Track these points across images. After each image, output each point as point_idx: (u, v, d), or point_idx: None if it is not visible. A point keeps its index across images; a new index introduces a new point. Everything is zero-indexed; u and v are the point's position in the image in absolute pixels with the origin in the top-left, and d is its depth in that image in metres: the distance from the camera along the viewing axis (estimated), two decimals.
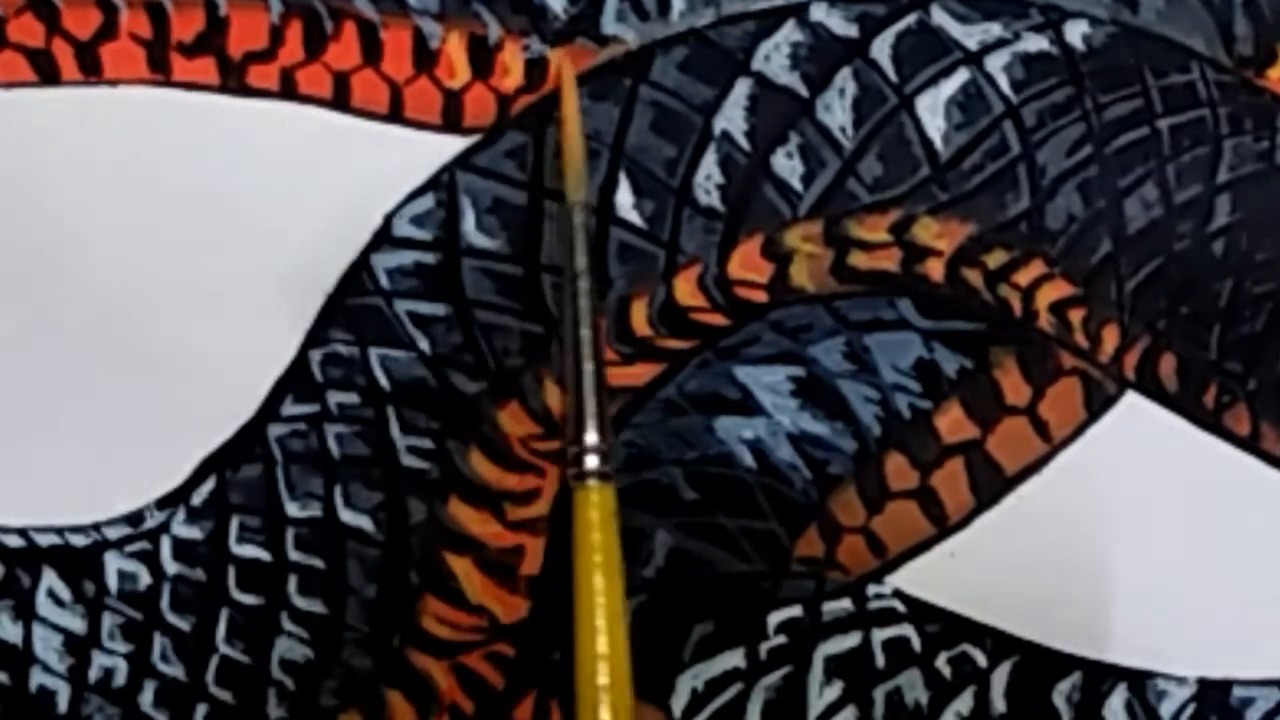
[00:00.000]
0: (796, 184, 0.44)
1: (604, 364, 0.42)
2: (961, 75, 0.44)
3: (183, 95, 0.44)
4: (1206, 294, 0.44)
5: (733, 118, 0.44)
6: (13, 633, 0.41)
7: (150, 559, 0.42)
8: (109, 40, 0.44)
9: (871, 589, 0.42)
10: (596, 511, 0.40)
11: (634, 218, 0.44)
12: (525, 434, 0.42)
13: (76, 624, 0.42)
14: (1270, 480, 0.43)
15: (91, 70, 0.44)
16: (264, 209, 0.43)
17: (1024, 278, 0.44)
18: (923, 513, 0.43)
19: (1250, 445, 0.43)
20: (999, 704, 0.42)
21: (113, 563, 0.42)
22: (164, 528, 0.42)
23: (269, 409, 0.43)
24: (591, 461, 0.40)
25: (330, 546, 0.42)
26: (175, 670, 0.41)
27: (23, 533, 0.42)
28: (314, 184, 0.43)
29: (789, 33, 0.45)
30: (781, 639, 0.42)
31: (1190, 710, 0.42)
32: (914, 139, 0.44)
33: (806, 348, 0.43)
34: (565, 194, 0.43)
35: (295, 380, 0.43)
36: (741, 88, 0.44)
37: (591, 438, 0.40)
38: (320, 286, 0.43)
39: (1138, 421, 0.43)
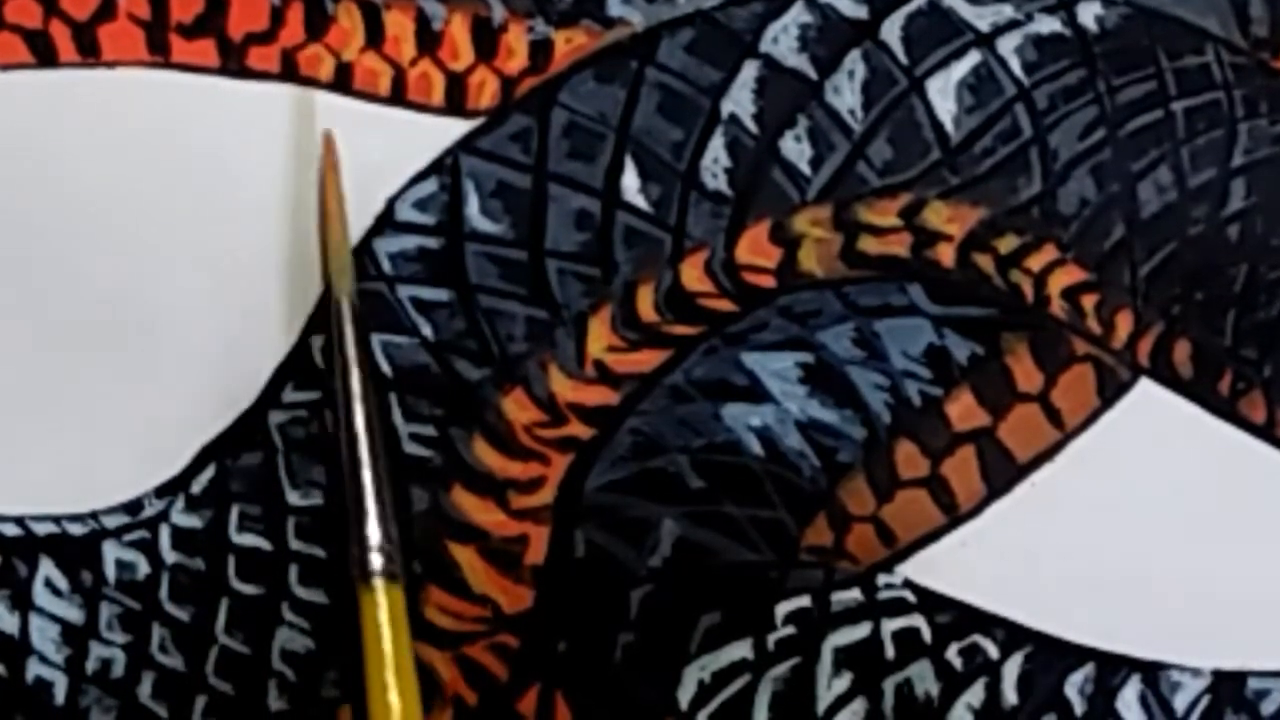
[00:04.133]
0: (805, 168, 0.43)
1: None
2: (973, 57, 0.44)
3: (182, 77, 0.44)
4: (1221, 279, 0.44)
5: (740, 100, 0.44)
6: (9, 623, 0.41)
7: (149, 548, 0.42)
8: (107, 21, 0.44)
9: (881, 579, 0.42)
10: (386, 614, 0.39)
11: (640, 202, 0.43)
12: (529, 421, 0.42)
13: (74, 614, 0.41)
14: None
15: (89, 52, 0.44)
16: (264, 193, 0.43)
17: (1036, 263, 0.43)
18: (933, 501, 0.42)
19: (1266, 432, 0.43)
20: (1010, 696, 0.41)
21: (111, 552, 0.42)
22: (163, 516, 0.42)
23: (269, 396, 0.42)
24: (376, 562, 0.39)
25: (332, 535, 0.41)
26: (174, 661, 0.41)
27: (19, 521, 0.42)
28: (315, 168, 0.43)
29: (797, 14, 0.44)
30: (790, 630, 0.42)
31: (1205, 702, 0.42)
32: (924, 122, 0.44)
33: (815, 334, 0.43)
34: (329, 284, 0.42)
35: (296, 367, 0.42)
36: (749, 70, 0.44)
37: (375, 536, 0.39)
38: (321, 272, 0.43)
39: (1152, 409, 0.43)
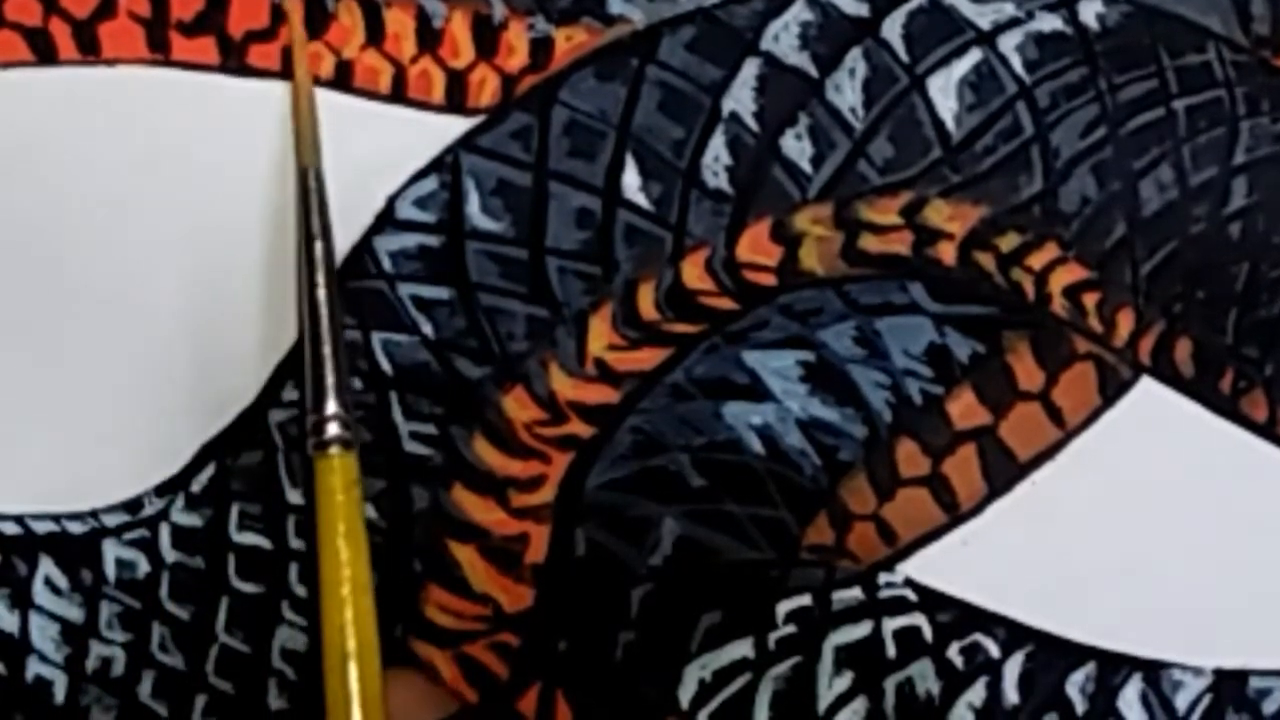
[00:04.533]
0: (806, 166, 0.43)
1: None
2: (974, 55, 0.44)
3: (182, 75, 0.44)
4: (1223, 277, 0.43)
5: (741, 98, 0.44)
6: (9, 622, 0.41)
7: (149, 547, 0.41)
8: (107, 19, 0.44)
9: (882, 577, 0.42)
10: (339, 479, 0.40)
11: (641, 200, 0.43)
12: (530, 419, 0.42)
13: (74, 613, 0.41)
14: None
15: (90, 50, 0.43)
16: (265, 191, 0.43)
17: (1037, 261, 0.43)
18: (934, 500, 0.42)
19: (1267, 431, 0.43)
20: (1012, 695, 0.41)
21: (111, 551, 0.41)
22: (163, 515, 0.42)
23: (269, 394, 0.42)
24: (333, 430, 0.40)
25: None
26: (174, 660, 0.41)
27: (19, 520, 0.42)
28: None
29: (798, 12, 0.44)
30: (791, 628, 0.41)
31: (1206, 701, 0.42)
32: (925, 120, 0.44)
33: (816, 332, 0.43)
34: (297, 158, 0.42)
35: (296, 365, 0.42)
36: (750, 68, 0.44)
37: (332, 407, 0.40)
38: None
39: (1153, 407, 0.43)
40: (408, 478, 0.42)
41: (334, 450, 0.40)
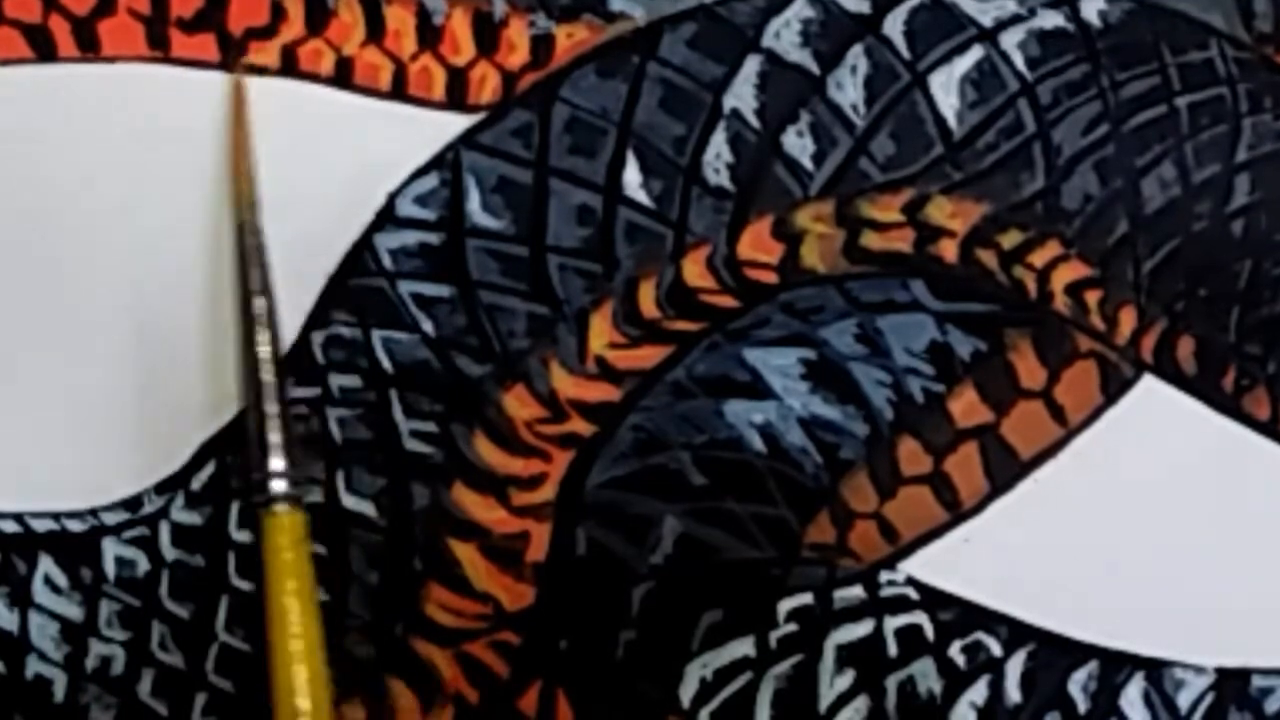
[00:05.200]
0: (807, 163, 0.43)
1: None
2: (976, 52, 0.44)
3: (182, 72, 0.44)
4: (1225, 275, 0.43)
5: (742, 95, 0.44)
6: (9, 620, 0.41)
7: (149, 545, 0.41)
8: (107, 16, 0.43)
9: (884, 576, 0.42)
10: (285, 537, 0.39)
11: (642, 197, 0.43)
12: (530, 417, 0.42)
13: (74, 611, 0.41)
14: None
15: (89, 47, 0.43)
16: (264, 189, 0.43)
17: (1039, 259, 0.43)
18: (936, 498, 0.42)
19: (1270, 429, 0.43)
20: (1014, 693, 0.41)
21: (110, 549, 0.41)
22: (163, 513, 0.42)
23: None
24: (278, 486, 0.39)
25: (332, 532, 0.41)
26: (174, 659, 0.41)
27: (19, 518, 0.42)
28: (315, 163, 0.43)
29: (800, 9, 0.44)
30: (792, 627, 0.41)
31: (1208, 700, 0.41)
32: (927, 117, 0.44)
33: (817, 330, 0.43)
34: (235, 212, 0.42)
35: (297, 363, 0.42)
36: (751, 65, 0.44)
37: (277, 464, 0.40)
38: (322, 267, 0.43)
39: (1155, 405, 0.43)
40: (408, 476, 0.42)
41: (280, 508, 0.39)
